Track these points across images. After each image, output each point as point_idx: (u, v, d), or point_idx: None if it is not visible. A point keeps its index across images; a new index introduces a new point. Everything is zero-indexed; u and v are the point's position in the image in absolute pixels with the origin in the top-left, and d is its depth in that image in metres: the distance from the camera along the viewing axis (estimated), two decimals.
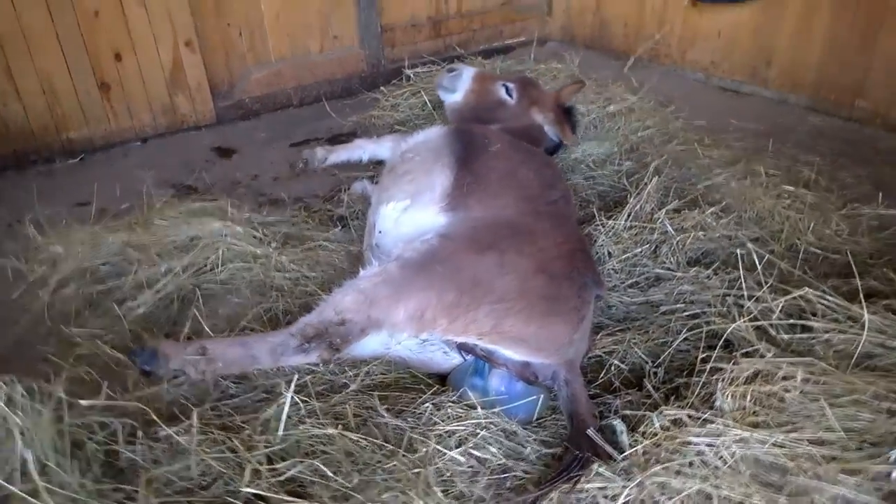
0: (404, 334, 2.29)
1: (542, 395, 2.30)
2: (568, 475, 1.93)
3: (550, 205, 2.71)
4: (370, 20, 5.44)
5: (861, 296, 2.26)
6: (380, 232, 2.80)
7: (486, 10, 6.23)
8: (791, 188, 3.46)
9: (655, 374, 2.40)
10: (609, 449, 1.99)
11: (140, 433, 1.91)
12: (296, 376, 2.13)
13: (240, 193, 3.91)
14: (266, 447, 1.95)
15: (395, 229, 2.72)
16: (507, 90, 3.81)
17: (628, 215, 3.14)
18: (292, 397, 2.06)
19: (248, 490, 1.75)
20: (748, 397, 2.00)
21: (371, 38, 5.51)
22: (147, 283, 2.80)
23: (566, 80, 5.13)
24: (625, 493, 1.85)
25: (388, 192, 2.90)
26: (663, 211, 3.10)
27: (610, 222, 3.14)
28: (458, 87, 3.89)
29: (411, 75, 5.36)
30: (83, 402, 1.88)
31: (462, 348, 2.33)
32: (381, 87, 5.39)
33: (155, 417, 1.92)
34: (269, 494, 1.75)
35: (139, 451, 1.88)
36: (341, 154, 4.15)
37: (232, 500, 1.78)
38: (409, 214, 2.70)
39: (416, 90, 5.11)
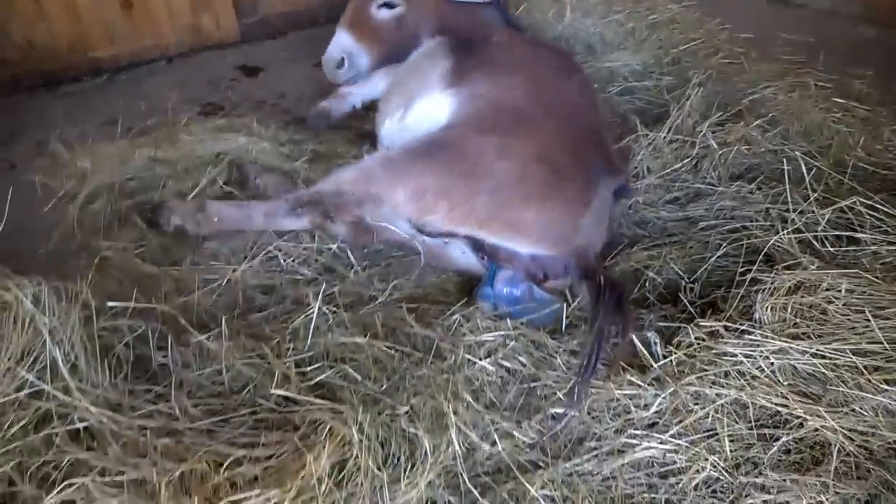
0: (405, 216, 2.32)
1: (561, 306, 2.25)
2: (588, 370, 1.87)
3: (561, 93, 2.61)
4: None
5: None
6: (387, 149, 2.75)
7: None
8: (842, 101, 3.27)
9: (692, 289, 2.33)
10: (641, 356, 1.95)
11: (170, 339, 1.92)
12: (324, 285, 2.12)
13: (266, 112, 3.84)
14: (295, 355, 1.96)
15: (400, 139, 2.67)
16: (387, 2, 3.23)
17: (669, 128, 2.99)
18: (320, 307, 2.05)
19: (279, 392, 1.76)
20: (789, 309, 1.93)
21: None
22: (175, 198, 2.78)
23: None
24: (657, 401, 1.83)
25: (382, 112, 2.87)
26: (706, 124, 2.95)
27: (651, 135, 3.00)
28: (358, 62, 3.35)
29: None
30: (110, 304, 1.89)
31: (475, 248, 2.31)
32: None
33: (185, 323, 1.93)
34: (298, 397, 1.76)
35: (170, 356, 1.90)
36: (335, 107, 3.59)
37: (263, 401, 1.80)
38: (409, 118, 2.67)
39: None
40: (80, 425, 1.62)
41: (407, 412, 1.75)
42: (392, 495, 1.60)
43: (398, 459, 1.69)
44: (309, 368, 1.90)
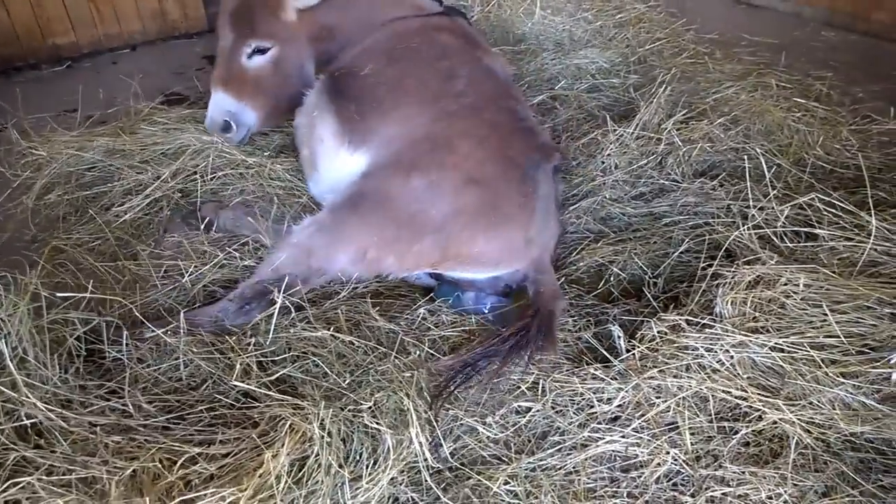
0: (358, 278, 2.21)
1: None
2: (497, 347, 1.92)
3: (458, 97, 2.42)
4: None
5: (870, 203, 2.18)
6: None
7: None
8: (802, 101, 3.33)
9: (655, 283, 2.35)
10: (603, 352, 1.96)
11: (125, 333, 1.87)
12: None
13: None
14: (256, 350, 1.92)
15: (331, 193, 2.49)
16: (257, 47, 2.82)
17: (636, 125, 3.01)
18: (283, 300, 2.01)
19: (239, 384, 1.72)
20: (748, 303, 1.95)
21: None
22: (134, 190, 2.72)
23: None
24: (620, 395, 1.83)
25: (304, 173, 2.76)
26: (671, 121, 2.98)
27: (620, 129, 3.01)
28: (245, 121, 2.94)
29: None
30: (60, 295, 1.82)
31: (435, 277, 2.27)
32: None
33: (140, 316, 1.88)
34: (259, 391, 1.72)
35: (124, 350, 1.84)
36: None
37: (222, 397, 1.76)
38: (326, 176, 2.54)
39: None
40: (27, 422, 1.56)
41: (370, 408, 1.72)
42: (353, 493, 1.58)
43: (360, 456, 1.66)
44: (270, 363, 1.86)
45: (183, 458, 1.49)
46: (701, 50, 4.12)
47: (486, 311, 2.24)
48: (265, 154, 3.01)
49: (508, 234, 2.20)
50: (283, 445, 1.55)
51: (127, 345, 1.85)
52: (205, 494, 1.38)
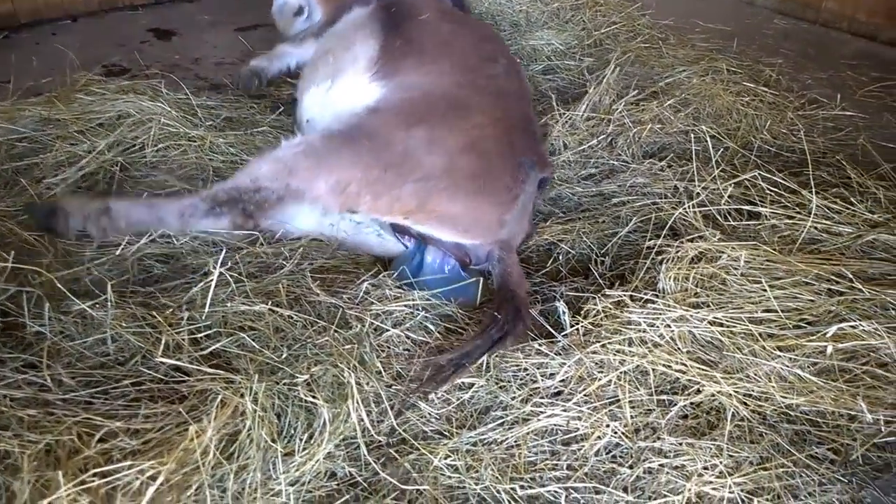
0: (328, 209, 2.18)
1: (479, 279, 2.23)
2: (486, 339, 1.88)
3: (491, 79, 2.51)
4: None
5: (812, 182, 2.21)
6: (307, 121, 2.64)
7: None
8: (751, 85, 3.37)
9: (602, 262, 2.35)
10: (547, 327, 1.95)
11: (47, 305, 1.77)
12: (224, 252, 2.01)
13: (178, 76, 3.63)
14: (190, 324, 1.85)
15: (322, 113, 2.54)
16: None
17: (586, 106, 3.01)
18: (221, 273, 1.94)
19: (166, 361, 1.65)
20: (690, 279, 1.96)
21: None
22: (68, 162, 2.60)
23: None
24: (563, 370, 1.83)
25: (308, 80, 2.72)
26: (622, 102, 2.99)
27: (567, 113, 3.01)
28: (313, 16, 3.23)
29: None
30: None
31: (396, 230, 2.23)
32: None
33: (62, 288, 1.78)
34: (188, 366, 1.65)
35: (46, 323, 1.75)
36: (269, 66, 3.52)
37: (150, 372, 1.68)
38: (335, 92, 2.52)
39: None
40: None
41: (306, 381, 1.67)
42: (286, 468, 1.53)
43: (295, 430, 1.62)
44: (203, 337, 1.79)
45: (102, 433, 1.42)
46: (655, 35, 4.14)
47: (446, 273, 2.23)
48: (208, 126, 2.91)
49: (488, 207, 2.20)
50: (213, 419, 1.49)
51: (50, 318, 1.76)
52: (123, 468, 1.32)
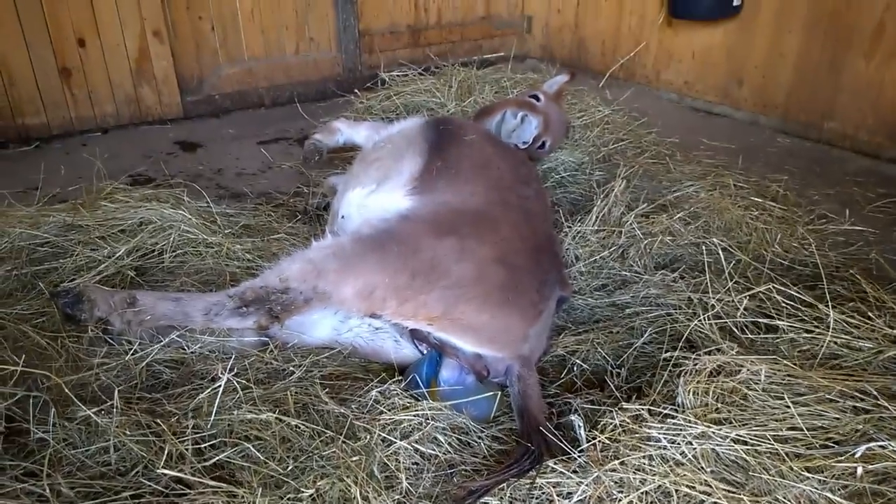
0: (352, 313, 2.16)
1: (497, 393, 2.18)
2: (519, 469, 1.81)
3: (522, 199, 2.57)
4: (348, 24, 5.39)
5: (827, 296, 2.20)
6: (342, 217, 2.69)
7: (465, 23, 6.23)
8: (759, 200, 3.43)
9: (618, 374, 2.30)
10: (564, 444, 1.88)
11: (53, 411, 1.74)
12: (233, 358, 1.99)
13: (201, 185, 3.76)
14: (195, 433, 1.80)
15: (357, 213, 2.59)
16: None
17: (596, 218, 3.06)
18: (228, 380, 1.91)
19: (168, 472, 1.59)
20: (710, 394, 1.90)
21: (348, 41, 5.45)
22: (87, 267, 2.64)
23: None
24: (580, 489, 1.74)
25: (356, 179, 2.79)
26: (632, 214, 3.03)
27: (577, 226, 3.06)
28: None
29: (387, 79, 5.26)
30: None
31: (414, 336, 2.21)
32: (356, 91, 5.29)
33: (70, 393, 1.76)
34: (190, 478, 1.59)
35: (50, 430, 1.71)
36: (327, 141, 3.73)
37: (152, 484, 1.62)
38: (374, 198, 2.56)
39: (390, 94, 5.03)
40: None
41: (311, 496, 1.60)
42: None
43: None
44: (207, 447, 1.73)
45: None
46: (662, 151, 4.28)
47: (465, 387, 2.17)
48: (227, 233, 2.97)
49: (515, 320, 2.19)
50: None
51: (54, 424, 1.72)
52: None
